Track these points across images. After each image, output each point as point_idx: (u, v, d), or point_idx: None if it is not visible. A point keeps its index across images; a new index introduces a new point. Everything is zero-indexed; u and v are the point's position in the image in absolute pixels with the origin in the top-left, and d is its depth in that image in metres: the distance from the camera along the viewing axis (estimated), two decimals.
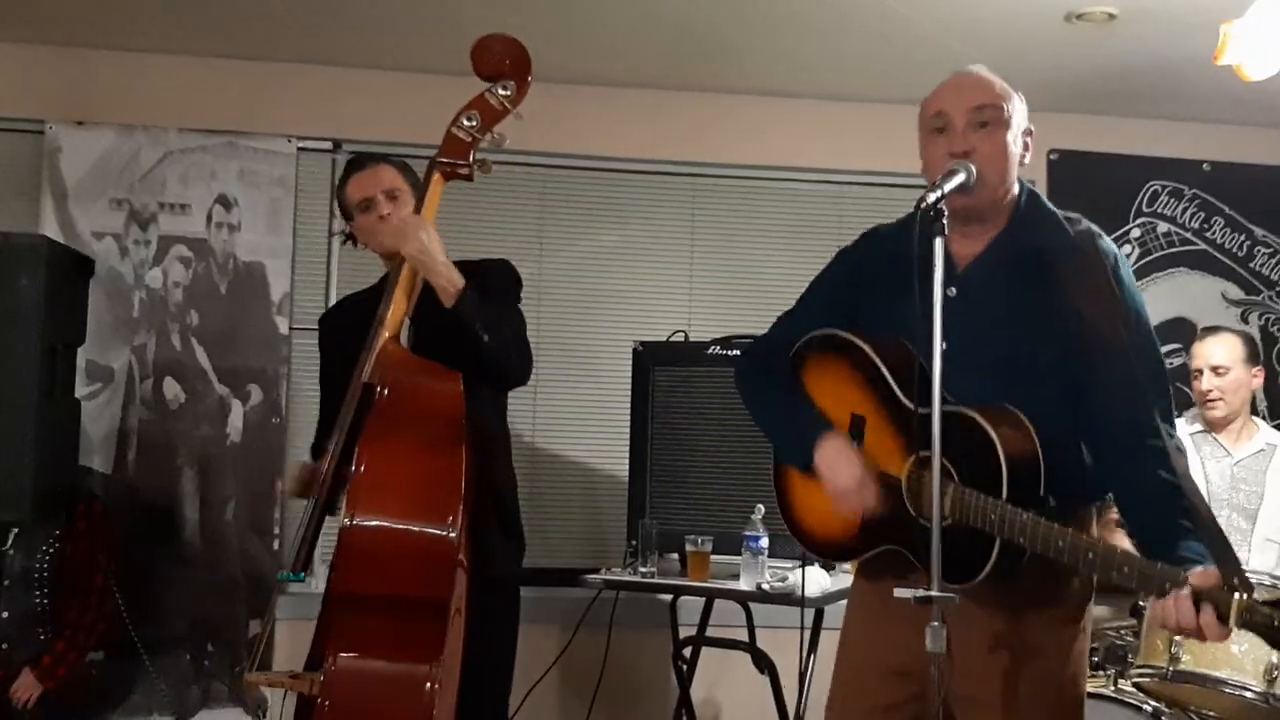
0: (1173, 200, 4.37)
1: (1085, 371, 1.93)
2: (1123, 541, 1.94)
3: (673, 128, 4.19)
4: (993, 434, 1.84)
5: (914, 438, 1.93)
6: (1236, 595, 1.62)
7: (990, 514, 1.81)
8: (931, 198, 1.83)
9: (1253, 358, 3.48)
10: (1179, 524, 1.82)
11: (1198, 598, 1.66)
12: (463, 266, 2.52)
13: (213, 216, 3.97)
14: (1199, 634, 1.68)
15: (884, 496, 1.98)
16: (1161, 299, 4.33)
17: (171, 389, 3.90)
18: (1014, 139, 2.00)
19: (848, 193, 4.26)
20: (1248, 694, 2.70)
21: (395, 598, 2.24)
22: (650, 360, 3.61)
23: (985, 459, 1.83)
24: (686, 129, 4.19)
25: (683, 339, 3.80)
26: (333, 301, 3.91)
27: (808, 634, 3.43)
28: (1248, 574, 2.80)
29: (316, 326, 2.99)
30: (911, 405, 1.95)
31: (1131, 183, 4.36)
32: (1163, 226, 4.37)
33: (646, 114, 4.18)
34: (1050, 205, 2.07)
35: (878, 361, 2.02)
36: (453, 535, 2.24)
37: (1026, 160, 2.05)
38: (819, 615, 3.38)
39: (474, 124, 2.47)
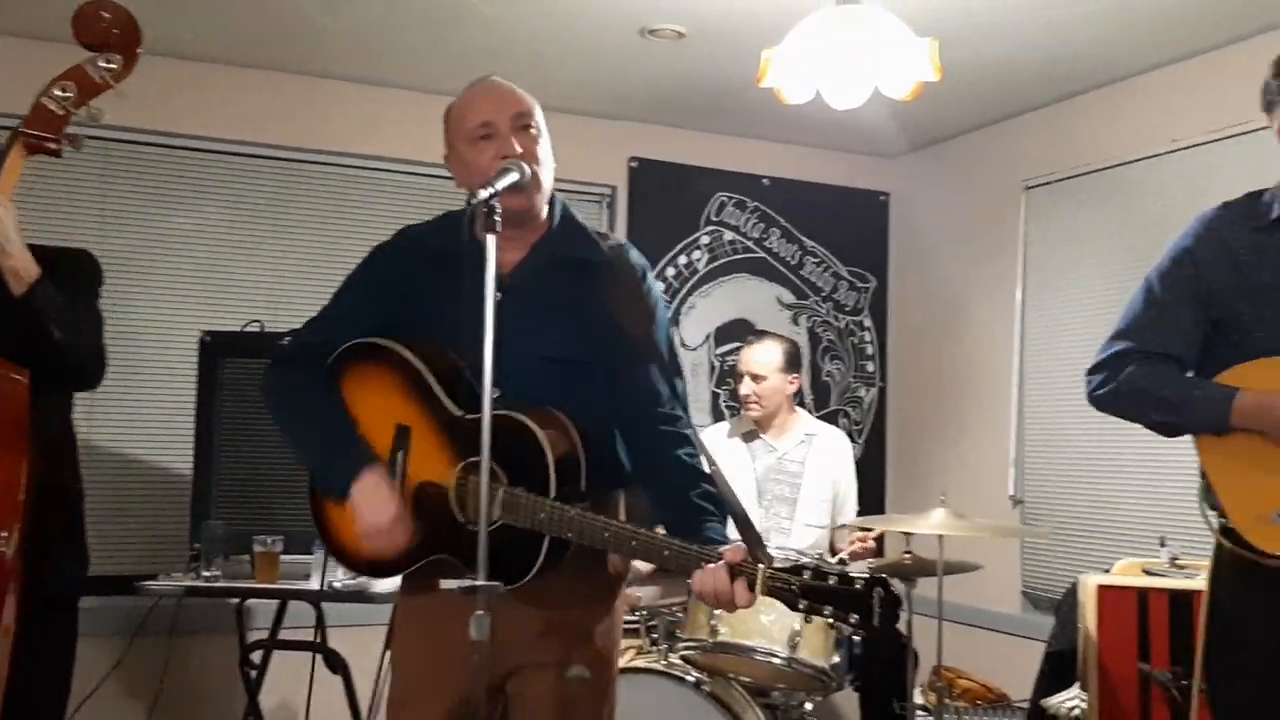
0: (737, 211, 4.75)
1: (618, 369, 2.07)
2: None
3: (259, 109, 4.01)
4: (540, 436, 1.91)
5: (461, 444, 1.96)
6: (761, 566, 1.80)
7: (539, 512, 1.88)
8: (484, 194, 1.87)
9: (790, 366, 3.80)
10: (703, 506, 1.99)
11: (730, 571, 1.82)
12: (37, 252, 2.29)
13: None
14: (732, 602, 1.84)
15: (431, 506, 1.98)
16: (725, 301, 4.71)
17: None
18: (545, 147, 2.09)
19: (440, 186, 4.26)
20: (775, 660, 3.00)
21: None
22: (219, 351, 3.43)
23: (534, 460, 1.90)
24: (274, 111, 4.03)
25: (259, 329, 3.65)
26: None
27: (382, 630, 3.42)
28: (782, 550, 3.14)
29: None
30: (458, 412, 1.98)
31: (703, 192, 4.69)
32: (728, 235, 4.73)
33: (230, 92, 3.97)
34: (580, 220, 2.19)
35: (422, 369, 2.02)
36: (6, 551, 2.02)
37: (552, 170, 2.14)
38: (395, 610, 3.37)
39: (68, 96, 2.25)
